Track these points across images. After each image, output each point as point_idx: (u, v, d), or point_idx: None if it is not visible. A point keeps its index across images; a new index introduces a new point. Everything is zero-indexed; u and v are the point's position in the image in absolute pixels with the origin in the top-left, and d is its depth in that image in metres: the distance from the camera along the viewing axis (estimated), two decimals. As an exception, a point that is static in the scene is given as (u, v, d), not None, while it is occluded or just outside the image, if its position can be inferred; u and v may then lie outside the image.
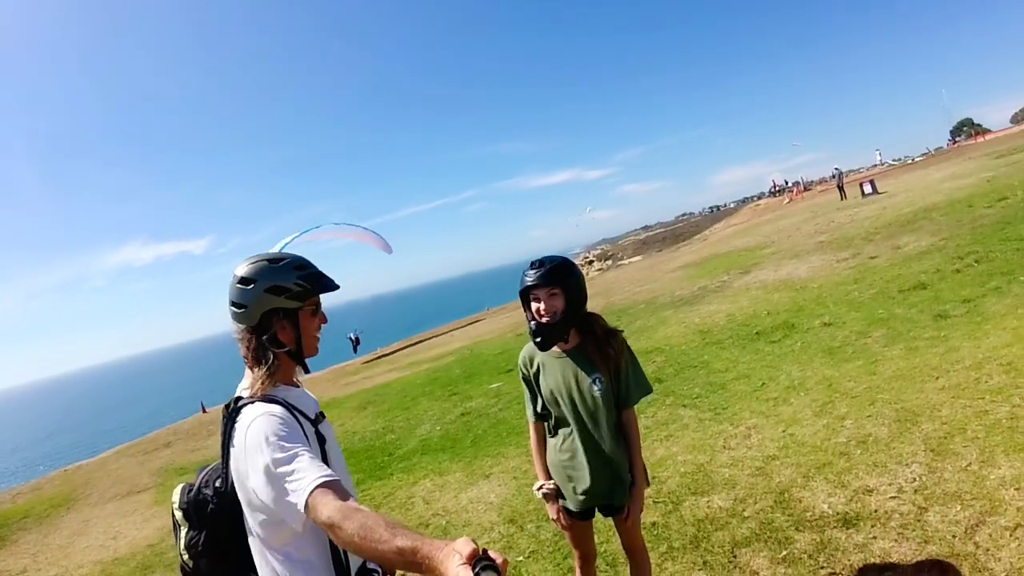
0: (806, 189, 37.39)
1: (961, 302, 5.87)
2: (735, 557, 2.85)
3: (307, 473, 1.14)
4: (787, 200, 33.48)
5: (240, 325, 1.40)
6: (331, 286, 1.45)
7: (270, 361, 1.36)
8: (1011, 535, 2.44)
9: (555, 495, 2.20)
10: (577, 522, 2.22)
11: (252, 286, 1.35)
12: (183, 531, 1.45)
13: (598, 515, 2.26)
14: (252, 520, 1.33)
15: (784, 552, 2.81)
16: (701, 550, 2.96)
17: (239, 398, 1.36)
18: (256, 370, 1.37)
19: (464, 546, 0.88)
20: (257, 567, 1.37)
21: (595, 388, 2.01)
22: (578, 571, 2.37)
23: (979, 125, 58.30)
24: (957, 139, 49.00)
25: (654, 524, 3.31)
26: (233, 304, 1.38)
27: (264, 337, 1.37)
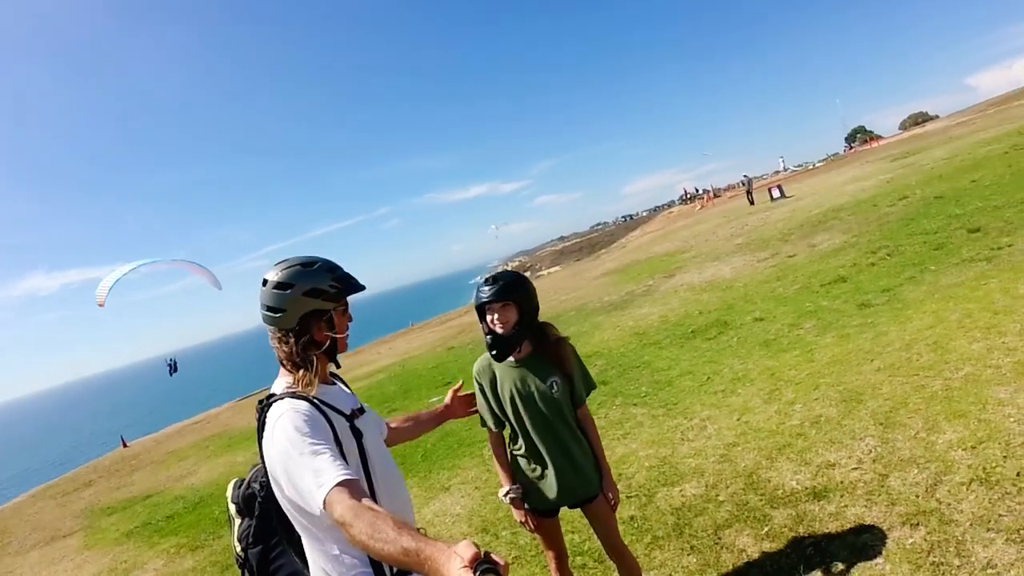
0: (716, 196, 41.84)
1: (881, 291, 6.84)
2: (720, 539, 3.08)
3: (326, 472, 1.28)
4: (699, 207, 36.93)
5: (276, 328, 1.58)
6: (359, 287, 1.63)
7: (313, 363, 1.55)
8: (968, 489, 2.89)
9: (521, 499, 2.43)
10: (545, 521, 2.47)
11: (290, 290, 1.54)
12: (236, 524, 1.74)
13: (574, 514, 2.53)
14: (291, 509, 1.49)
15: (765, 529, 3.09)
16: (686, 536, 3.16)
17: (272, 395, 1.54)
18: (298, 372, 1.55)
19: (465, 549, 0.98)
20: (308, 558, 1.55)
21: (553, 390, 2.32)
22: (553, 571, 2.56)
23: (871, 132, 69.15)
24: (853, 145, 57.38)
25: (632, 518, 3.47)
26: (269, 309, 1.57)
27: (304, 339, 1.56)
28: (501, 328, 2.26)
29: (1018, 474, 2.86)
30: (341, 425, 1.53)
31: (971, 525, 2.63)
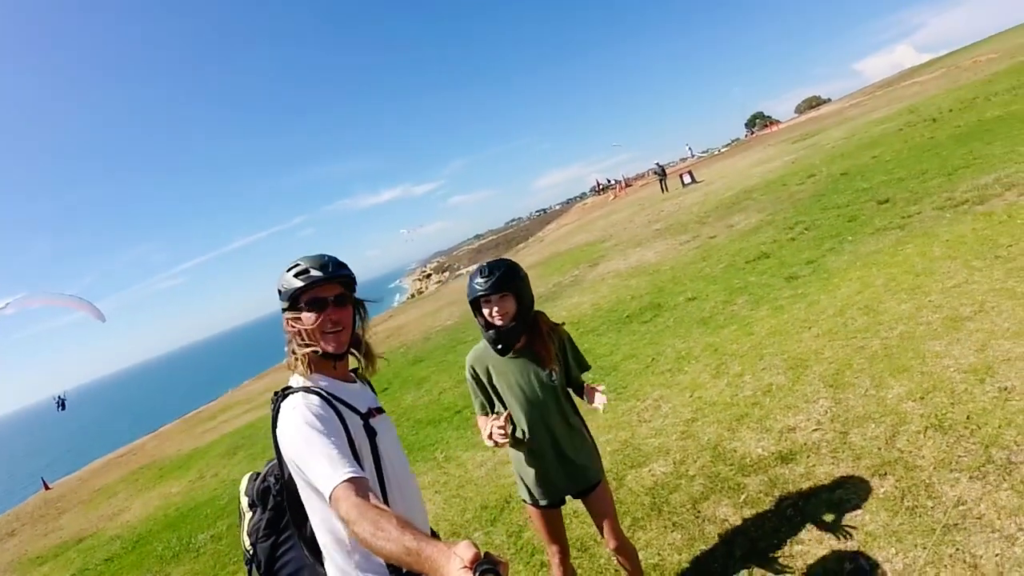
0: (628, 185, 44.39)
1: (805, 264, 7.35)
2: (699, 512, 3.15)
3: (333, 467, 1.35)
4: (612, 197, 38.94)
5: None
6: (314, 279, 1.63)
7: (290, 356, 1.68)
8: (924, 436, 3.14)
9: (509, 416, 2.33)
10: (549, 513, 2.47)
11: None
12: (247, 519, 1.82)
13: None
14: (308, 498, 1.57)
15: (742, 496, 3.19)
16: (665, 514, 3.21)
17: (288, 387, 1.64)
18: (296, 367, 1.68)
19: (465, 550, 1.04)
20: (322, 548, 1.61)
21: (552, 381, 2.36)
22: (556, 567, 2.54)
23: (769, 117, 75.16)
24: (753, 130, 62.11)
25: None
26: None
27: (287, 333, 1.69)
28: (500, 320, 2.28)
29: (968, 417, 3.13)
30: (354, 422, 1.61)
31: (935, 468, 2.85)
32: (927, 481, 2.78)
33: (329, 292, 1.67)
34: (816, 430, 3.63)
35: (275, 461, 1.77)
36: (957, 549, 2.32)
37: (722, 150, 51.75)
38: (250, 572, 1.82)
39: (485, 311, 2.31)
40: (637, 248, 13.25)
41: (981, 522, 2.41)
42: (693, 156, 50.54)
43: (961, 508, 2.53)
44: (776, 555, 2.69)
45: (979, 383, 3.40)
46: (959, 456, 2.87)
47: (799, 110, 73.01)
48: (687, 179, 23.86)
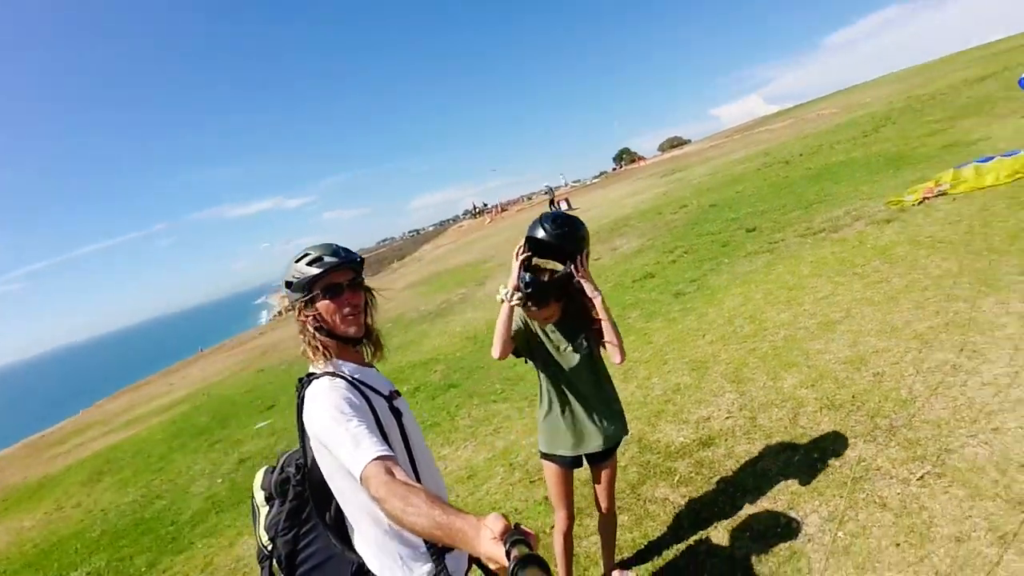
0: (504, 210, 47.44)
1: (689, 282, 8.34)
2: (640, 495, 3.57)
3: (361, 447, 1.44)
4: (488, 220, 41.16)
5: None
6: (329, 264, 1.73)
7: (306, 346, 1.76)
8: (820, 414, 3.85)
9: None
10: (564, 472, 2.69)
11: (284, 285, 1.80)
12: (263, 514, 1.89)
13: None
14: (338, 481, 1.67)
15: (676, 478, 3.67)
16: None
17: (312, 374, 1.72)
18: (312, 354, 1.77)
19: (495, 522, 1.13)
20: (356, 531, 1.74)
21: (585, 348, 2.54)
22: (560, 535, 2.79)
23: (635, 153, 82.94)
24: (621, 164, 68.20)
25: (547, 498, 3.75)
26: None
27: (300, 326, 1.78)
28: (547, 275, 2.39)
29: (852, 397, 3.90)
30: (381, 405, 1.72)
31: (835, 438, 3.53)
32: (831, 448, 3.44)
33: (343, 277, 1.77)
34: (728, 418, 4.25)
35: (289, 453, 1.89)
36: (867, 494, 2.95)
37: (593, 181, 56.72)
38: (265, 571, 1.86)
39: (535, 258, 2.43)
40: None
41: (880, 472, 3.07)
42: (566, 184, 54.26)
43: (863, 464, 3.18)
44: (720, 521, 3.16)
45: (856, 371, 4.22)
46: (851, 426, 3.58)
47: (662, 148, 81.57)
48: (564, 205, 26.12)
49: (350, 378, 1.70)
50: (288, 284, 1.76)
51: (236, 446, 8.17)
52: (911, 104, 19.21)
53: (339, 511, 1.77)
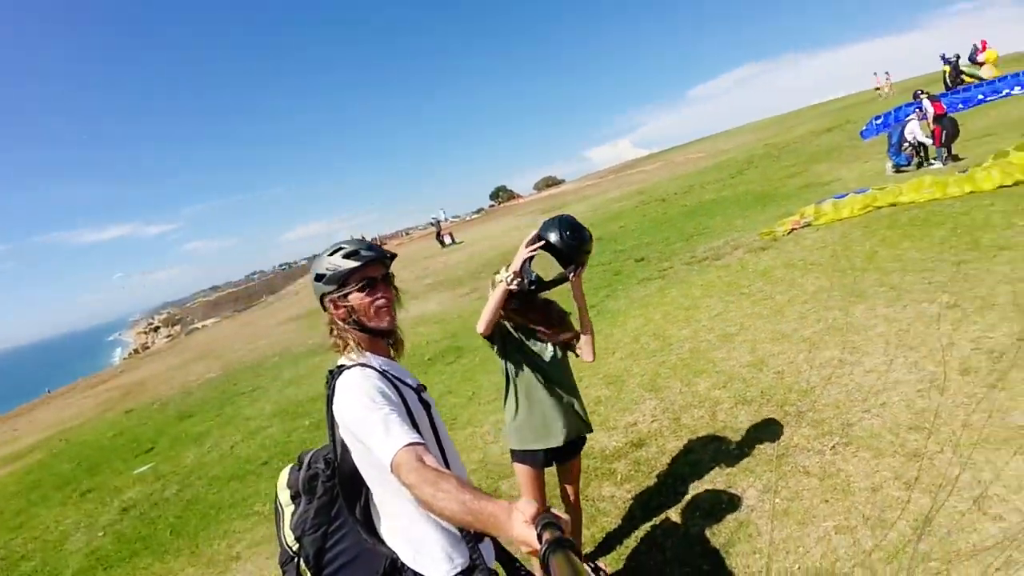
0: (383, 244, 47.96)
1: (589, 307, 8.90)
2: (587, 496, 3.84)
3: (392, 435, 1.50)
4: None
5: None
6: (365, 257, 1.80)
7: (334, 335, 1.84)
8: (736, 409, 4.37)
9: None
10: (541, 472, 2.87)
11: (312, 278, 1.87)
12: (287, 513, 1.90)
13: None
14: (371, 471, 1.72)
15: (618, 477, 4.00)
16: (557, 505, 3.77)
17: (341, 365, 1.78)
18: (343, 348, 1.84)
19: (527, 506, 1.15)
20: (387, 522, 1.79)
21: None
22: None
23: (512, 191, 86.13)
24: (499, 200, 70.89)
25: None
26: None
27: (329, 319, 1.86)
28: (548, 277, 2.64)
29: (761, 393, 4.47)
30: (411, 396, 1.77)
31: (753, 427, 4.04)
32: (752, 434, 3.94)
33: (378, 272, 1.82)
34: (654, 421, 4.67)
35: (315, 451, 1.91)
36: (791, 467, 3.44)
37: (473, 216, 58.63)
38: (290, 573, 1.85)
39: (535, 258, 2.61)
40: (413, 300, 14.10)
41: (798, 448, 3.59)
42: (446, 220, 55.35)
43: (782, 444, 3.69)
44: (669, 507, 3.51)
45: (759, 372, 4.83)
46: (765, 416, 4.12)
47: (537, 187, 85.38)
48: (448, 239, 27.10)
49: (380, 369, 1.74)
50: (320, 277, 1.80)
51: (115, 494, 7.48)
52: (769, 151, 21.85)
53: (369, 505, 1.81)
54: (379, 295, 1.81)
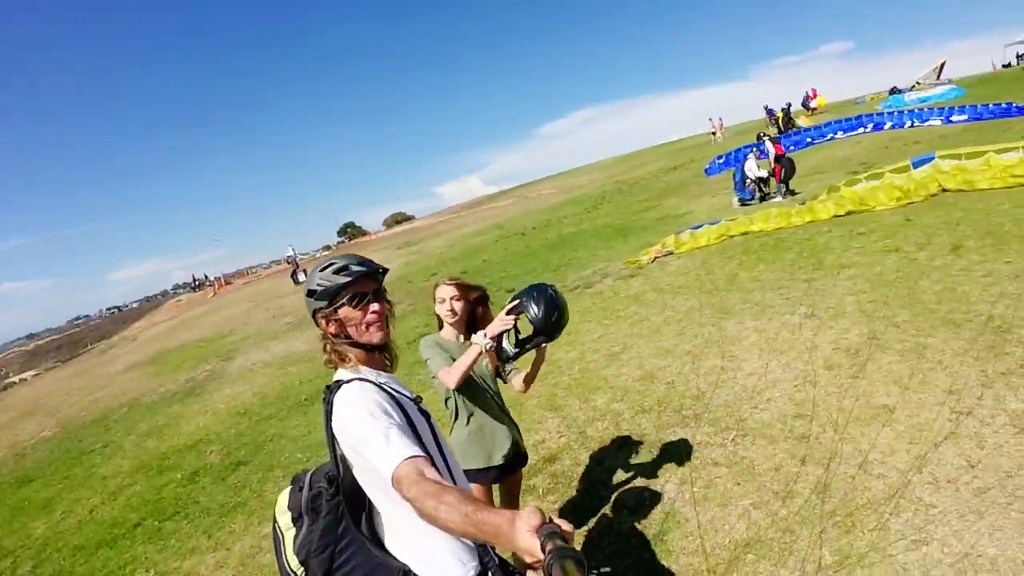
0: (228, 283, 46.45)
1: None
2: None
3: (393, 448, 1.53)
4: (211, 294, 40.04)
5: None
6: (356, 272, 1.84)
7: (328, 351, 1.87)
8: (638, 417, 4.80)
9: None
10: (490, 490, 3.04)
11: (305, 294, 1.91)
12: (288, 537, 1.85)
13: None
14: (376, 485, 1.74)
15: (540, 491, 4.23)
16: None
17: (339, 380, 1.81)
18: (341, 363, 1.87)
19: (531, 515, 1.14)
20: (395, 541, 1.79)
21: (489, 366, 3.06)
22: None
23: (360, 227, 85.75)
24: (347, 238, 70.20)
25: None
26: None
27: (321, 333, 1.90)
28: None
29: (658, 401, 4.95)
30: (410, 407, 1.83)
31: (656, 431, 4.48)
32: (657, 438, 4.36)
33: (369, 287, 1.85)
34: (561, 437, 4.97)
35: (313, 471, 1.91)
36: (701, 460, 3.89)
37: (323, 253, 58.10)
38: None
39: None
40: (275, 340, 13.62)
41: (702, 444, 4.06)
42: (297, 256, 54.05)
43: (688, 442, 4.14)
44: (596, 511, 3.78)
45: (651, 384, 5.34)
46: (666, 421, 4.58)
47: (387, 223, 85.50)
48: (300, 276, 26.51)
49: (378, 383, 1.78)
50: (311, 293, 1.84)
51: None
52: (620, 187, 23.70)
53: (375, 519, 1.82)
54: (370, 310, 1.85)
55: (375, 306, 1.84)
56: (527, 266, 13.49)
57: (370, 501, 1.80)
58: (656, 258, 9.92)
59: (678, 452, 4.08)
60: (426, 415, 1.89)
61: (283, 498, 1.93)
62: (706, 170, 21.57)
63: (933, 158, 9.80)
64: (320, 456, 6.14)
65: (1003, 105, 17.84)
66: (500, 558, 1.85)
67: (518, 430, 3.13)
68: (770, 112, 31.02)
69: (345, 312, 1.81)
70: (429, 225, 45.08)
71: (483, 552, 1.77)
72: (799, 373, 4.65)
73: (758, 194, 14.07)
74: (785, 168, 13.57)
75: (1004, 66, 40.49)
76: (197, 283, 53.88)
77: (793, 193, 13.45)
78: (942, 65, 32.89)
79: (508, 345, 2.75)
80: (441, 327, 3.05)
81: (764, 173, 13.88)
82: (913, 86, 30.19)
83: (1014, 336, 4.37)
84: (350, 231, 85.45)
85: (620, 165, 45.94)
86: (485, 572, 1.76)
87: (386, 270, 1.92)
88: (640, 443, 4.39)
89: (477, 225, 28.06)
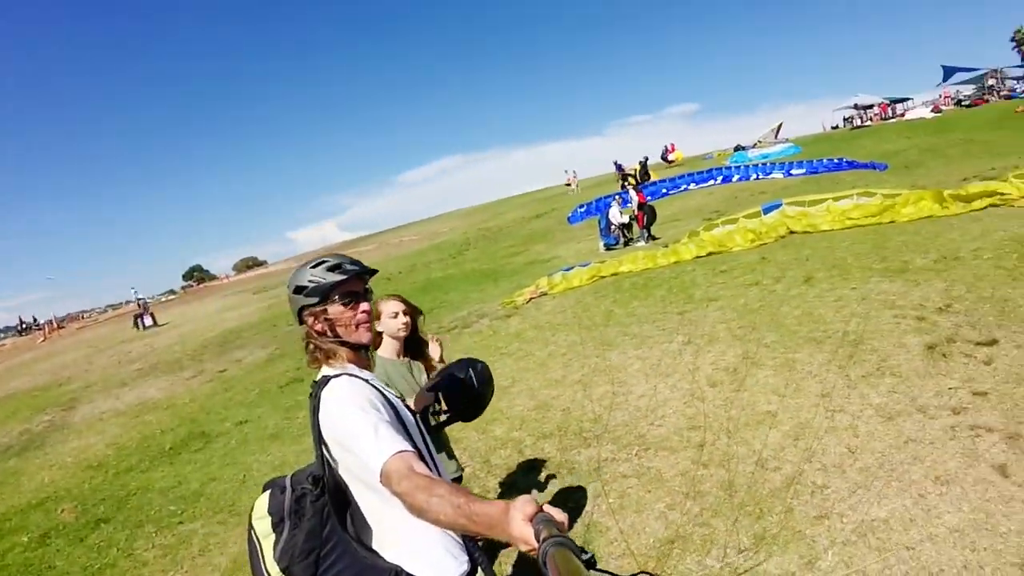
0: (60, 327, 42.97)
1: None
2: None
3: (383, 443, 1.52)
4: (42, 339, 36.79)
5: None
6: (348, 271, 1.86)
7: (311, 349, 1.86)
8: (540, 443, 5.00)
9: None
10: None
11: (289, 291, 1.92)
12: (268, 544, 1.77)
13: None
14: (365, 481, 1.69)
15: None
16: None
17: (325, 376, 1.80)
18: (326, 360, 1.85)
19: (525, 505, 1.15)
20: (383, 540, 1.76)
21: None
22: None
23: (208, 271, 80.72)
24: (194, 282, 66.20)
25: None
26: None
27: (305, 331, 1.89)
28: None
29: (557, 427, 5.19)
30: (398, 403, 1.84)
31: (561, 452, 4.70)
32: (563, 459, 4.58)
33: (359, 287, 1.87)
34: (465, 467, 5.03)
35: (294, 473, 1.85)
36: (610, 474, 4.14)
37: (169, 297, 55.33)
38: None
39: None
40: (125, 387, 12.62)
41: (608, 461, 4.34)
42: (141, 300, 51.03)
43: (594, 460, 4.40)
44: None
45: (547, 412, 5.59)
46: (568, 443, 4.82)
47: (237, 268, 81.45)
48: (148, 321, 25.07)
49: (364, 379, 1.78)
50: (300, 289, 1.83)
51: None
52: (484, 234, 24.37)
53: (360, 519, 1.78)
54: (360, 309, 1.86)
55: (365, 305, 1.86)
56: (441, 297, 13.47)
57: (354, 501, 1.75)
58: (531, 299, 10.36)
59: (586, 469, 4.32)
60: (413, 413, 1.92)
61: (261, 503, 1.84)
62: (569, 218, 22.93)
63: (781, 205, 11.28)
64: (196, 508, 5.71)
65: (835, 160, 21.16)
66: (487, 556, 1.90)
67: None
68: (619, 167, 33.91)
69: (335, 310, 1.81)
70: (284, 270, 43.45)
71: (472, 547, 1.79)
72: (686, 392, 5.12)
73: (622, 239, 15.22)
74: (647, 215, 14.90)
75: (833, 128, 47.42)
76: (25, 326, 49.76)
77: (655, 238, 14.70)
78: (780, 126, 38.47)
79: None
80: (377, 346, 3.02)
81: (627, 219, 15.11)
82: (755, 144, 34.67)
83: (867, 346, 5.14)
84: (197, 275, 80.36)
85: (482, 213, 47.29)
86: (475, 567, 1.78)
87: (375, 271, 1.95)
88: (547, 466, 4.58)
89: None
